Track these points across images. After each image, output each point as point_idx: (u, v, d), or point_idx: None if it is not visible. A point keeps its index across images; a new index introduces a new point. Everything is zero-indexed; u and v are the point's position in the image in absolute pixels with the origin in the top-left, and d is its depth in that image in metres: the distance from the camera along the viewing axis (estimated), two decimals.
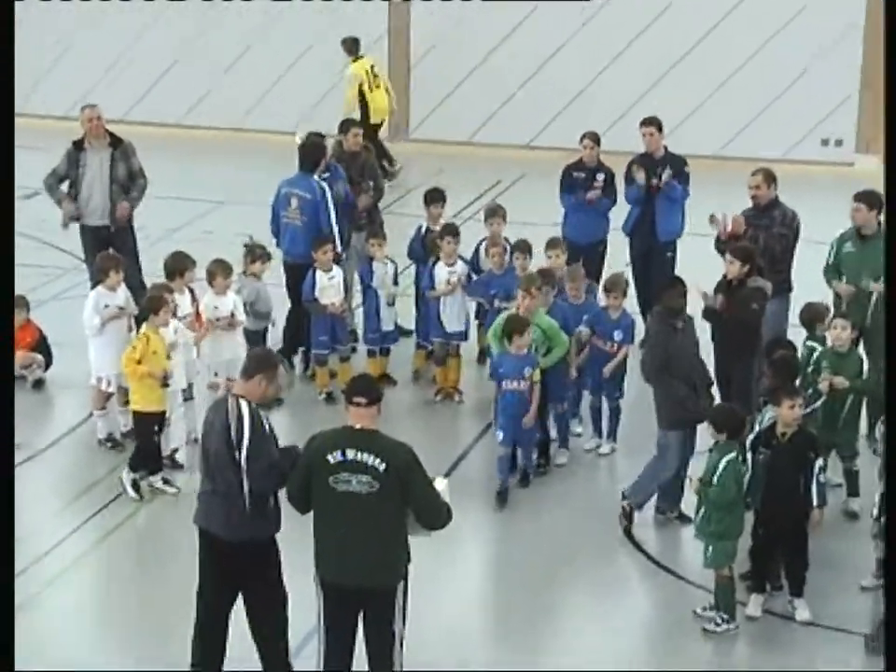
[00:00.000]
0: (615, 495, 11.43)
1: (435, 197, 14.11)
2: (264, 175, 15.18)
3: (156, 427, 11.55)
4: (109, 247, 14.25)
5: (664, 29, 20.97)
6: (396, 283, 13.66)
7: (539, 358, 11.65)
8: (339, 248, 13.47)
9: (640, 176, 14.34)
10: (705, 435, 10.28)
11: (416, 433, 11.37)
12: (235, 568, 8.70)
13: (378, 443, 8.16)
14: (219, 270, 12.58)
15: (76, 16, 22.61)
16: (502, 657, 9.55)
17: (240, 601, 8.81)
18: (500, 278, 13.01)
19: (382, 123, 20.48)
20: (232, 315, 12.56)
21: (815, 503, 9.87)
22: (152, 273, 13.96)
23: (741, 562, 10.02)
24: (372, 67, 20.47)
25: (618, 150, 15.58)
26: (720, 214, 12.68)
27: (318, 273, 13.33)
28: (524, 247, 13.02)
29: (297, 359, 13.98)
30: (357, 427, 8.22)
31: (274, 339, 13.64)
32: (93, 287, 13.73)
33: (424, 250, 13.86)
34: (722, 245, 12.50)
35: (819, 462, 9.92)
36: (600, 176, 14.77)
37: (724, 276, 11.75)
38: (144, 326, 11.67)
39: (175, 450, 12.08)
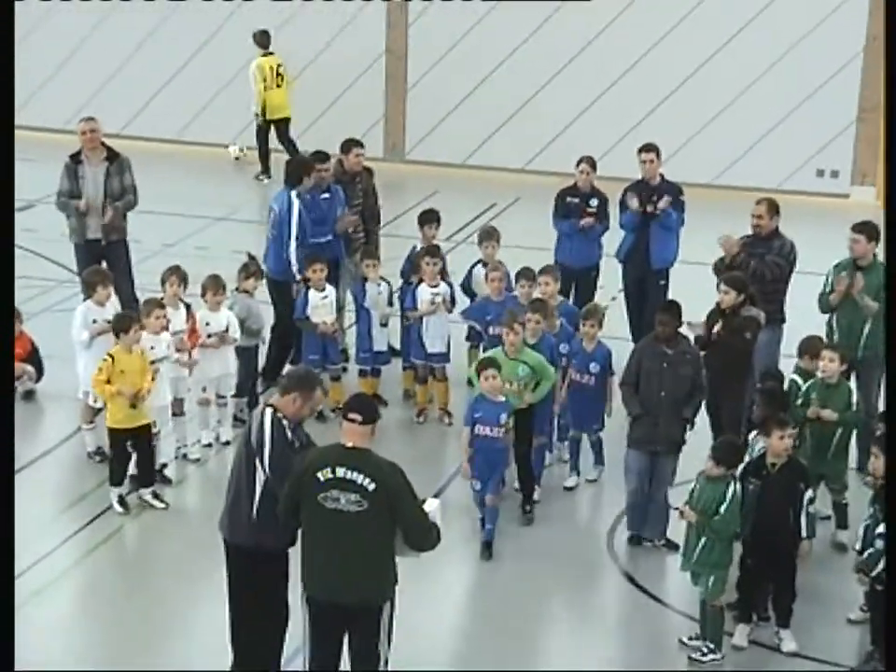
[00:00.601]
0: (599, 522, 11.42)
1: (429, 218, 14.11)
2: (262, 192, 15.18)
3: (131, 443, 11.47)
4: (103, 261, 14.26)
5: (660, 57, 21.03)
6: (390, 304, 13.65)
7: (528, 395, 11.47)
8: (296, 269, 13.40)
9: (634, 203, 14.35)
10: (688, 464, 10.28)
11: (404, 453, 11.34)
12: (235, 571, 8.75)
13: (368, 462, 8.16)
14: (211, 286, 12.57)
15: (73, 29, 22.63)
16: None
17: None
18: (498, 304, 12.84)
19: (282, 122, 21.13)
20: (226, 330, 12.54)
21: (803, 534, 9.86)
22: (146, 287, 13.97)
23: (728, 592, 9.99)
24: (279, 66, 21.04)
25: (612, 176, 15.61)
26: (731, 239, 12.66)
27: (311, 292, 13.32)
28: (528, 275, 12.79)
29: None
30: (349, 445, 8.22)
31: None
32: (85, 300, 13.74)
33: (414, 271, 13.86)
34: (723, 265, 12.51)
35: (809, 493, 9.92)
36: (594, 202, 14.77)
37: (718, 305, 11.76)
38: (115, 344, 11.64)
39: (164, 465, 12.06)
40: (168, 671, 9.45)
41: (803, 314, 13.05)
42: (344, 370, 13.93)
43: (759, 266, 12.56)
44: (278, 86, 21.12)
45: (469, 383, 13.48)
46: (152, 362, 11.67)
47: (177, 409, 12.36)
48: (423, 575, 9.82)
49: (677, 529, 10.55)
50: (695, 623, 9.97)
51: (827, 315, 12.65)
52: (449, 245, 14.75)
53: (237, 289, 13.05)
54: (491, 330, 12.74)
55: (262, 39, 21.06)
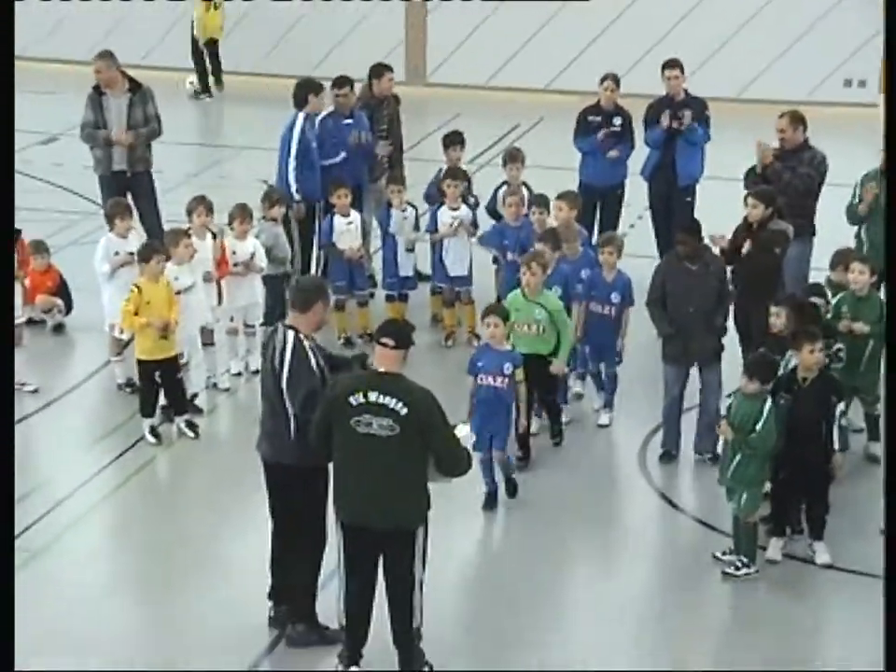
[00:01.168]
0: (630, 440, 11.44)
1: (453, 140, 14.03)
2: (286, 120, 15.10)
3: (159, 373, 11.49)
4: (128, 193, 14.25)
5: None
6: (417, 228, 13.60)
7: (554, 363, 11.07)
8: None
9: (666, 121, 14.17)
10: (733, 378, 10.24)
11: (433, 377, 11.34)
12: (276, 491, 8.80)
13: (401, 387, 8.15)
14: (239, 214, 12.55)
15: None
16: (519, 594, 9.56)
17: None
18: (515, 230, 12.75)
19: (215, 43, 21.62)
20: (252, 258, 12.53)
21: (836, 447, 9.85)
22: (171, 217, 13.96)
23: (761, 506, 10.00)
24: None
25: (636, 93, 15.46)
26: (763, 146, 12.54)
27: (336, 218, 13.30)
28: (543, 202, 12.60)
29: None
30: (381, 370, 8.22)
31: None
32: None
33: (439, 194, 13.81)
34: (755, 176, 12.38)
35: (841, 406, 9.88)
36: (617, 120, 14.64)
37: (745, 219, 11.68)
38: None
39: (195, 395, 12.10)
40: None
41: (832, 226, 12.95)
42: (371, 295, 13.93)
43: (792, 179, 12.45)
44: (216, 7, 21.53)
45: (499, 300, 13.48)
46: (177, 293, 11.67)
47: (206, 339, 12.39)
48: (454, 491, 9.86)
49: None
50: (730, 538, 9.99)
51: (856, 227, 12.56)
52: (472, 167, 14.66)
53: (263, 218, 13.02)
54: (509, 256, 12.65)
55: None
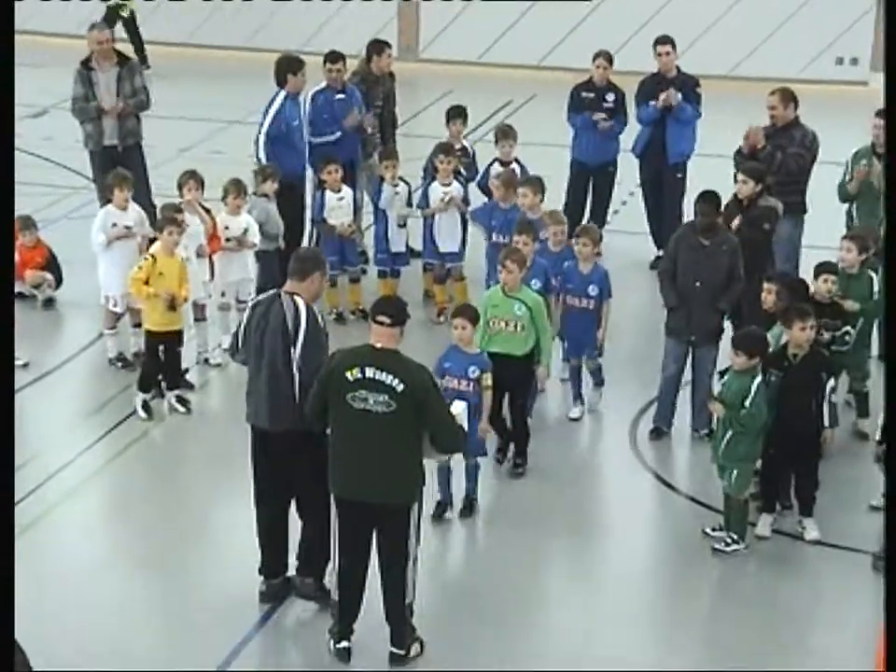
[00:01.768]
0: (620, 416, 11.47)
1: (455, 113, 14.04)
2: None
3: (163, 347, 11.52)
4: (118, 167, 14.20)
5: None
6: (409, 204, 13.59)
7: (539, 368, 10.64)
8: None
9: (667, 97, 14.11)
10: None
11: (425, 353, 11.35)
12: (284, 459, 8.80)
13: (397, 364, 8.16)
14: (232, 189, 12.53)
15: None
16: (514, 578, 9.59)
17: None
18: (503, 211, 12.59)
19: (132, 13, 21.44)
20: (244, 233, 12.52)
21: (826, 424, 9.87)
22: (162, 191, 13.94)
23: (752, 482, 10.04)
24: None
25: (628, 70, 15.45)
26: (748, 126, 12.54)
27: (327, 194, 13.28)
28: (535, 185, 12.30)
29: None
30: (378, 346, 8.23)
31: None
32: (102, 206, 13.72)
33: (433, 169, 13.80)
34: (742, 158, 12.41)
35: (831, 383, 9.91)
36: (610, 97, 14.64)
37: (735, 196, 11.69)
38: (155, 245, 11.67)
39: (186, 370, 12.10)
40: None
41: (824, 204, 12.96)
42: (364, 271, 13.92)
43: (784, 158, 12.46)
44: None
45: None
46: None
47: (198, 314, 12.38)
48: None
49: None
50: (720, 514, 10.02)
51: (846, 205, 12.58)
52: (471, 142, 14.64)
53: (255, 193, 13.01)
54: (494, 237, 12.53)
55: None
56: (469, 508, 10.18)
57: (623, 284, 14.29)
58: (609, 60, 14.71)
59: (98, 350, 12.48)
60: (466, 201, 13.44)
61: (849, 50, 20.71)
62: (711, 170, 13.69)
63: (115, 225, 12.17)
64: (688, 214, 12.63)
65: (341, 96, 13.94)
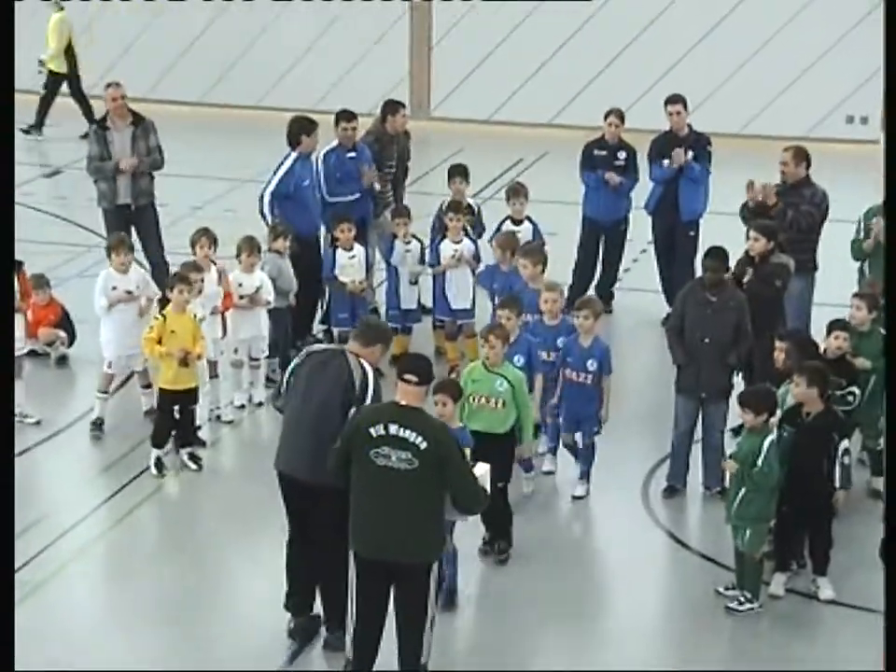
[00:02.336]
0: (632, 473, 11.43)
1: (455, 172, 14.10)
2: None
3: (177, 406, 11.52)
4: (131, 226, 14.30)
5: (687, 6, 20.89)
6: (422, 262, 13.63)
7: (523, 447, 10.31)
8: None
9: (677, 157, 14.19)
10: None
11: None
12: (315, 509, 8.91)
13: (421, 421, 8.18)
14: (245, 247, 12.58)
15: None
16: (523, 623, 9.55)
17: None
18: (504, 274, 12.56)
19: (75, 77, 21.25)
20: (257, 291, 12.55)
21: (837, 485, 9.83)
22: (175, 250, 14.00)
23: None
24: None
25: (639, 128, 15.52)
26: (758, 183, 12.58)
27: (339, 252, 13.33)
28: (534, 256, 12.03)
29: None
30: (403, 403, 8.25)
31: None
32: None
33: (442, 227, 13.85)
34: (749, 212, 12.45)
35: (844, 444, 9.85)
36: (622, 155, 14.70)
37: (747, 253, 11.72)
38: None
39: (198, 427, 12.09)
40: None
41: (835, 262, 12.98)
42: None
43: (795, 216, 12.50)
44: (70, 41, 21.29)
45: None
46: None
47: (211, 371, 12.39)
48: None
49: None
50: (732, 572, 9.97)
51: (859, 263, 12.60)
52: (476, 201, 14.71)
53: (269, 250, 13.06)
54: (497, 300, 12.42)
55: None
56: (451, 600, 9.62)
57: (635, 341, 14.37)
58: (621, 117, 14.79)
59: (109, 408, 12.47)
60: (477, 258, 13.47)
61: (860, 109, 20.78)
62: (723, 228, 13.73)
63: (115, 288, 12.12)
64: (700, 272, 12.64)
65: (352, 155, 14.01)
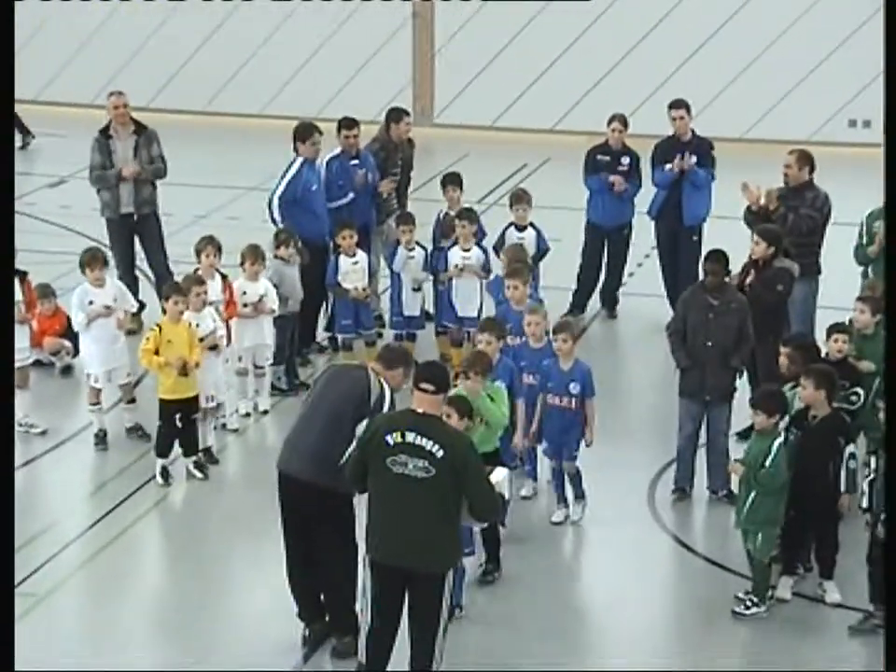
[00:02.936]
0: (640, 477, 11.42)
1: (451, 180, 14.11)
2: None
3: (179, 414, 11.52)
4: (134, 235, 14.32)
5: (689, 11, 20.89)
6: (426, 269, 13.64)
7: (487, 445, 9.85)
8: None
9: (680, 162, 14.20)
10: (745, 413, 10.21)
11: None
12: (310, 512, 8.95)
13: (437, 429, 8.20)
14: (249, 255, 12.58)
15: (100, 3, 22.61)
16: (526, 628, 9.55)
17: None
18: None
19: None
20: (260, 300, 12.55)
21: (843, 489, 9.82)
22: (179, 259, 14.02)
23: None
24: None
25: (642, 133, 15.52)
26: (753, 185, 12.58)
27: (342, 258, 13.35)
28: (524, 277, 11.72)
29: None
30: (420, 411, 8.26)
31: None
32: (119, 275, 13.80)
33: (444, 235, 13.84)
34: (752, 216, 12.46)
35: (850, 448, 9.83)
36: (625, 160, 14.72)
37: (750, 257, 11.73)
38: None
39: (209, 447, 12.03)
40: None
41: (838, 265, 12.97)
42: (380, 335, 13.94)
43: (796, 220, 12.50)
44: None
45: None
46: (200, 339, 11.66)
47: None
48: None
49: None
50: (738, 576, 9.96)
51: (862, 267, 12.59)
52: (480, 207, 14.72)
53: (274, 257, 13.06)
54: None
55: None
56: (451, 613, 9.02)
57: (639, 346, 14.39)
58: (625, 123, 14.80)
59: (115, 417, 12.49)
60: (487, 268, 13.42)
61: (862, 113, 20.76)
62: (726, 232, 13.72)
63: (91, 303, 12.03)
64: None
65: (355, 162, 14.02)
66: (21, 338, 12.07)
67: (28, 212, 17.48)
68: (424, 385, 8.26)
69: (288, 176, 13.59)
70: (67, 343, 13.61)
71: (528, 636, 9.59)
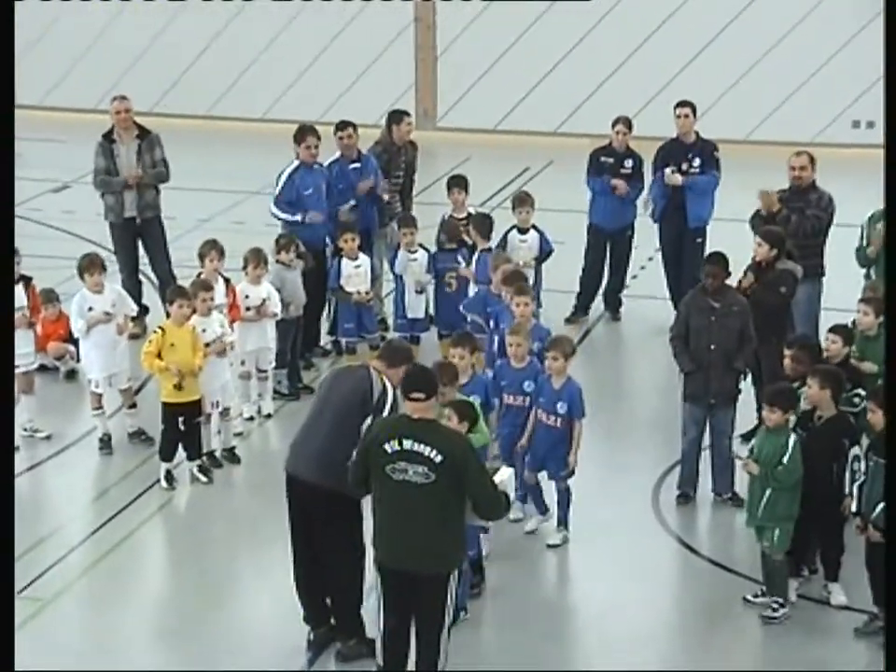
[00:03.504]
0: (643, 480, 11.40)
1: (454, 183, 14.11)
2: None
3: (182, 418, 11.52)
4: (138, 239, 14.32)
5: (692, 13, 20.89)
6: (429, 271, 13.65)
7: None
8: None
9: (671, 179, 14.24)
10: (748, 415, 10.23)
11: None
12: (316, 513, 8.96)
13: (435, 434, 8.21)
14: (252, 258, 12.58)
15: (103, 8, 22.62)
16: (534, 629, 9.55)
17: None
18: (498, 297, 12.19)
19: None
20: (263, 303, 12.55)
21: (846, 491, 9.80)
22: (182, 263, 14.02)
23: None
24: None
25: (644, 136, 15.52)
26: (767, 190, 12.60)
27: (344, 262, 13.35)
28: (519, 287, 11.50)
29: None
30: (415, 416, 8.27)
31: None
32: (122, 279, 13.81)
33: (448, 237, 13.84)
34: (758, 220, 12.46)
35: (855, 451, 9.81)
36: (629, 162, 14.72)
37: (754, 259, 11.72)
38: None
39: (214, 451, 12.04)
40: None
41: (841, 267, 12.97)
42: (383, 339, 13.92)
43: (801, 221, 12.50)
44: None
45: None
46: (206, 344, 11.66)
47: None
48: None
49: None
50: (741, 577, 9.95)
51: (865, 269, 12.59)
52: (483, 210, 14.71)
53: (276, 261, 13.07)
54: (491, 324, 12.09)
55: None
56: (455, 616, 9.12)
57: (643, 348, 14.39)
58: (629, 125, 14.80)
59: (119, 422, 12.48)
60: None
61: (865, 114, 20.75)
62: (729, 233, 13.74)
63: (91, 309, 12.01)
64: None
65: (356, 165, 14.01)
66: (26, 343, 12.09)
67: (32, 217, 17.50)
68: (414, 396, 8.26)
69: (281, 180, 13.61)
70: (71, 348, 13.61)
71: (532, 638, 9.59)
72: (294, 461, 9.16)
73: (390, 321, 14.11)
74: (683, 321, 11.21)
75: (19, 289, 11.97)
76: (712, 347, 11.00)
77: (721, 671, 9.28)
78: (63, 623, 9.76)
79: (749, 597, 9.93)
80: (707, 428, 11.25)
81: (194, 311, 11.70)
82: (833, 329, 10.88)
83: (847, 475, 9.78)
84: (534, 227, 13.81)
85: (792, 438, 9.66)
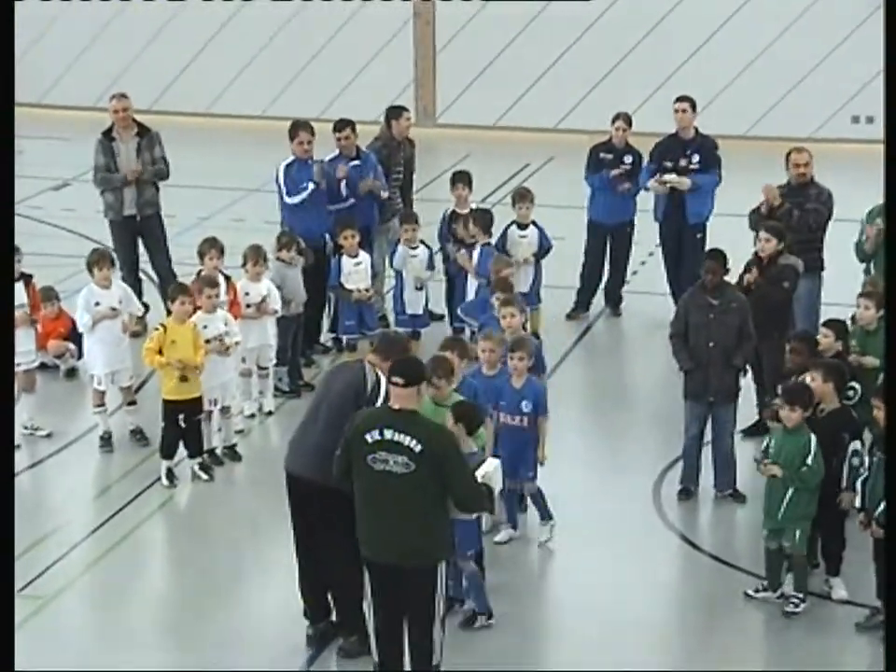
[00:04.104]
0: (644, 476, 11.40)
1: (459, 178, 14.11)
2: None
3: (182, 415, 11.52)
4: (138, 237, 14.32)
5: (691, 9, 20.88)
6: (431, 267, 13.65)
7: None
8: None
9: (657, 188, 14.26)
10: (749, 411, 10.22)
11: None
12: (318, 509, 8.97)
13: (415, 424, 8.20)
14: (251, 255, 12.57)
15: (102, 5, 22.61)
16: (533, 626, 9.54)
17: None
18: (492, 307, 11.88)
19: None
20: (263, 300, 12.55)
21: (843, 486, 9.80)
22: (182, 260, 14.02)
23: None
24: None
25: (644, 132, 15.51)
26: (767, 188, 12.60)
27: (344, 259, 13.35)
28: (505, 299, 11.33)
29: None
30: (396, 407, 8.25)
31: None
32: (123, 277, 13.80)
33: (450, 233, 13.84)
34: (757, 216, 12.46)
35: (855, 445, 9.81)
36: (628, 159, 14.72)
37: (756, 254, 11.72)
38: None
39: (214, 448, 12.05)
40: None
41: (841, 261, 12.97)
42: None
43: (802, 215, 12.51)
44: None
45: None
46: (207, 341, 11.67)
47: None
48: None
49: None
50: (742, 572, 9.94)
51: (864, 264, 12.60)
52: (483, 207, 14.73)
53: (277, 259, 13.06)
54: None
55: None
56: (472, 620, 9.47)
57: (644, 344, 14.39)
58: (629, 122, 14.81)
59: (120, 420, 12.49)
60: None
61: (865, 109, 20.73)
62: (728, 229, 13.73)
63: (98, 304, 12.01)
64: None
65: (356, 163, 14.00)
66: (28, 341, 12.09)
67: (32, 215, 17.50)
68: (394, 380, 8.26)
69: (281, 175, 13.61)
70: (71, 346, 13.61)
71: (535, 635, 9.61)
72: (292, 458, 9.18)
73: (391, 318, 14.10)
74: (682, 318, 11.21)
75: (19, 287, 11.97)
76: (711, 344, 11.00)
77: (722, 667, 9.29)
78: (63, 622, 9.76)
79: (751, 592, 9.94)
80: (709, 425, 11.25)
81: (196, 308, 11.71)
82: (826, 324, 10.92)
83: (845, 469, 9.78)
84: (534, 223, 13.81)
85: (814, 438, 9.63)
